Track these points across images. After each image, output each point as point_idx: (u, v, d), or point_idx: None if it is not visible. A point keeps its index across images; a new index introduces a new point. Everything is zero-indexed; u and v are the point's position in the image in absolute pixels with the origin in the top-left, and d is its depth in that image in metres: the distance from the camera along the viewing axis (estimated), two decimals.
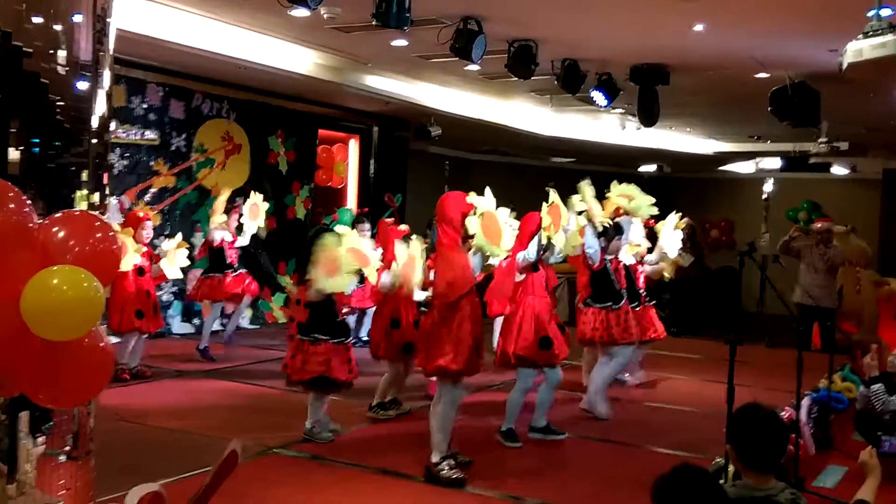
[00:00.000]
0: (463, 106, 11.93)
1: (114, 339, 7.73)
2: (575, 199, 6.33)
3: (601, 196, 7.20)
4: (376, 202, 13.36)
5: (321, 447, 5.89)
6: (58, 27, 4.00)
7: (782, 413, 5.08)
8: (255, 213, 8.94)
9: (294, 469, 5.47)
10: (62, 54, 3.71)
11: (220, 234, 8.68)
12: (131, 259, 7.38)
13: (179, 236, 8.10)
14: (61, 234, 2.95)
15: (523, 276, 6.03)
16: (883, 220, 15.73)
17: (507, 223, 5.46)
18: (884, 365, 5.90)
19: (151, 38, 7.86)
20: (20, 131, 3.73)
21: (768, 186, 16.68)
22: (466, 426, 6.24)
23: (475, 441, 6.05)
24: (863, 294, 9.88)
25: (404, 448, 5.88)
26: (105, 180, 3.49)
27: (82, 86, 3.77)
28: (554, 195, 6.00)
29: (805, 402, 5.84)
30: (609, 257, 6.96)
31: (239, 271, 8.80)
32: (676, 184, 18.41)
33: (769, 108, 9.12)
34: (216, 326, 8.97)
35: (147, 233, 7.75)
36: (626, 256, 7.40)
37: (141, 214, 7.80)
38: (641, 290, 7.70)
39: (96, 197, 3.52)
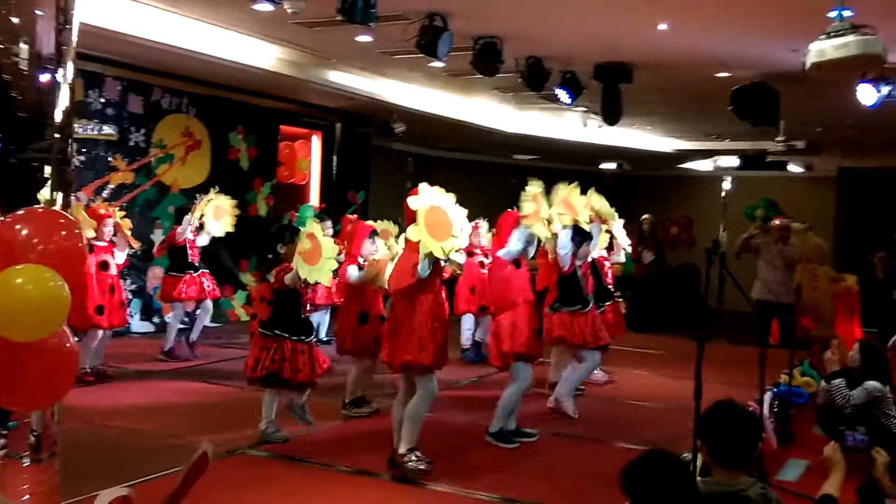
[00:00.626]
0: (426, 102, 11.91)
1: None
2: (554, 198, 6.32)
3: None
4: (339, 199, 13.31)
5: (287, 447, 5.83)
6: (16, 20, 3.91)
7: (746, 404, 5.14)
8: (219, 214, 8.78)
9: (261, 469, 5.40)
10: (24, 48, 3.61)
11: (189, 233, 8.53)
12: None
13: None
14: (25, 232, 2.88)
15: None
16: (838, 218, 16.04)
17: (456, 211, 5.30)
18: (844, 360, 6.00)
19: (110, 31, 7.71)
20: None
21: (727, 184, 16.92)
22: (432, 422, 6.22)
23: (444, 438, 6.04)
24: (820, 290, 10.06)
25: (373, 446, 5.84)
26: (71, 176, 3.41)
27: (43, 79, 3.68)
28: (534, 186, 6.01)
29: (767, 397, 5.93)
30: (578, 262, 6.97)
31: (200, 270, 8.65)
32: (636, 181, 18.61)
33: (729, 107, 9.25)
34: (180, 326, 8.82)
35: (108, 230, 7.61)
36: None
37: (102, 211, 7.66)
38: (610, 286, 7.74)
39: (59, 194, 3.44)
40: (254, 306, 7.27)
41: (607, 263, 7.90)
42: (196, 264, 8.60)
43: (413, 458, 5.28)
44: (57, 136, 3.48)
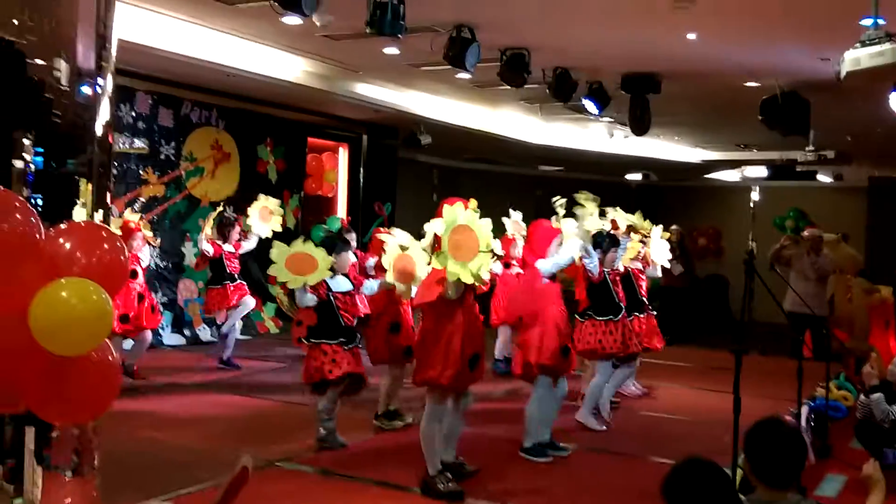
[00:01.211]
0: (453, 114, 11.93)
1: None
2: (581, 211, 6.28)
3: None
4: (366, 211, 13.35)
5: (322, 459, 5.82)
6: (54, 36, 3.95)
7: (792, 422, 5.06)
8: (265, 215, 8.94)
9: (294, 483, 5.39)
10: (63, 65, 3.65)
11: (206, 246, 8.64)
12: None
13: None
14: (68, 246, 2.89)
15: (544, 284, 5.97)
16: (869, 228, 15.84)
17: (482, 226, 5.10)
18: (882, 373, 5.91)
19: (141, 45, 7.78)
20: (29, 141, 3.66)
21: (755, 195, 16.78)
22: (468, 435, 6.18)
23: (479, 452, 5.99)
24: (854, 302, 9.91)
25: (405, 460, 5.81)
26: (110, 188, 3.43)
27: (83, 94, 3.71)
28: (559, 208, 6.03)
29: (804, 411, 5.85)
30: (607, 270, 6.93)
31: (238, 282, 8.79)
32: (663, 192, 18.50)
33: (759, 117, 9.17)
34: (209, 338, 8.90)
35: (137, 243, 7.69)
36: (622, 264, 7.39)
37: (133, 225, 7.73)
38: (644, 298, 7.68)
39: (100, 207, 3.47)
40: (299, 314, 7.52)
41: (642, 276, 7.83)
42: (235, 276, 8.73)
43: (442, 480, 5.20)
44: (97, 150, 3.51)
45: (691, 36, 7.60)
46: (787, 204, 16.00)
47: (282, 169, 12.07)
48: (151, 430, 6.38)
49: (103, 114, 3.54)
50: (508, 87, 8.79)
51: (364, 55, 8.97)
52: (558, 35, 7.80)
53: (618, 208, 7.64)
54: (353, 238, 8.88)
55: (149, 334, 8.09)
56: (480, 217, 5.13)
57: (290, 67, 9.41)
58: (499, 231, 6.36)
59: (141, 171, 10.02)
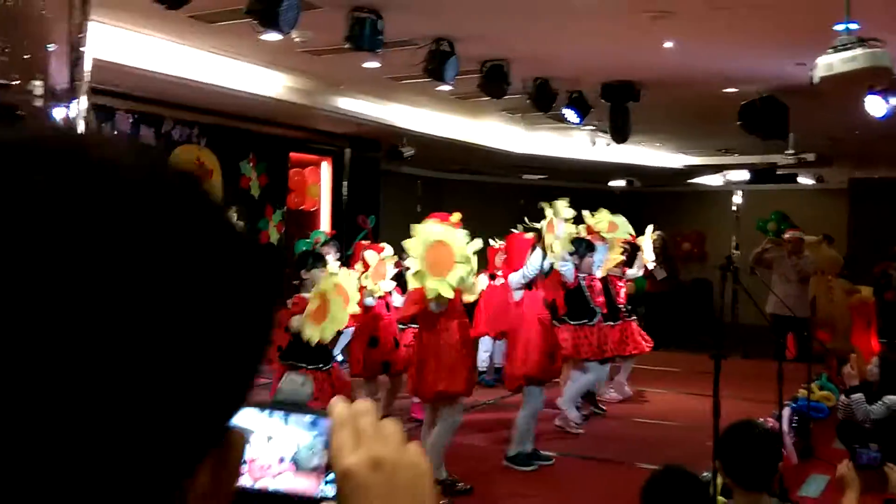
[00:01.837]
0: (435, 126, 11.95)
1: None
2: (550, 214, 6.31)
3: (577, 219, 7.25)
4: (350, 224, 13.33)
5: None
6: (26, 56, 3.95)
7: (765, 424, 5.10)
8: None
9: None
10: (37, 84, 3.66)
11: None
12: None
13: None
14: None
15: (520, 295, 6.00)
16: (850, 229, 15.97)
17: (456, 238, 5.20)
18: (863, 374, 5.95)
19: (119, 64, 7.75)
20: None
21: (737, 198, 16.89)
22: (452, 446, 6.18)
23: (464, 463, 5.99)
24: (835, 303, 9.99)
25: None
26: None
27: (58, 114, 3.72)
28: (549, 211, 6.03)
29: (786, 412, 5.89)
30: (582, 275, 6.98)
31: None
32: (647, 198, 18.58)
33: (738, 123, 9.25)
34: None
35: None
36: (600, 271, 7.45)
37: None
38: (621, 306, 7.73)
39: None
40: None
41: (620, 283, 7.89)
42: None
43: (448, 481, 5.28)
44: None
45: (669, 44, 7.66)
46: (770, 207, 16.12)
47: (264, 184, 12.06)
48: None
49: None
50: (489, 98, 8.83)
51: (344, 69, 8.99)
52: (537, 46, 7.84)
53: (602, 209, 7.70)
54: (333, 250, 8.88)
55: None
56: (465, 228, 5.23)
57: (270, 83, 9.42)
58: (484, 241, 6.38)
59: None
